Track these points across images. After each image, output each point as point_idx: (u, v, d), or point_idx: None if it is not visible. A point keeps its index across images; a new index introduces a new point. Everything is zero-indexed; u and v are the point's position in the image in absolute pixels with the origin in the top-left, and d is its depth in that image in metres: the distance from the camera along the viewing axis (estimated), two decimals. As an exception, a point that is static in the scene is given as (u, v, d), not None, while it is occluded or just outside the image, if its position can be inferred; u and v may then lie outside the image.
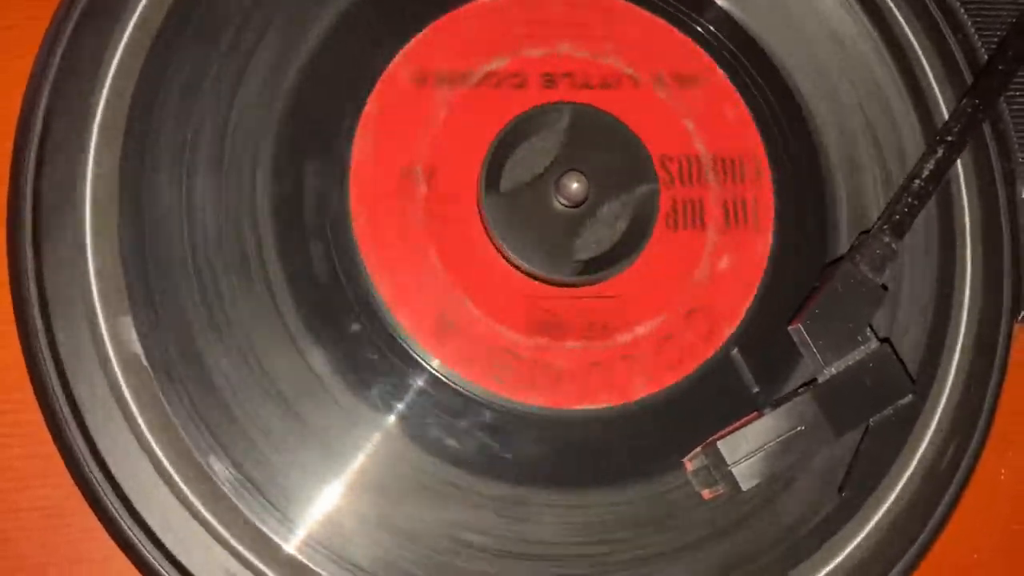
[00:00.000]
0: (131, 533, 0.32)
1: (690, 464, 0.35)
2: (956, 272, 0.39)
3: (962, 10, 0.42)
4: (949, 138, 0.38)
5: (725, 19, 0.40)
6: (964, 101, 0.39)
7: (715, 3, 0.40)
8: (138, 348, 0.33)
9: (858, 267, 0.36)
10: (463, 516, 0.34)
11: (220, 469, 0.33)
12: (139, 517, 0.32)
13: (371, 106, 0.37)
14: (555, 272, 0.36)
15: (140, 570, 0.32)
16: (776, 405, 0.35)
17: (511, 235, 0.36)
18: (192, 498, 0.32)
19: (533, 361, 0.36)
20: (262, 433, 0.33)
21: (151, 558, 0.32)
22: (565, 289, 0.36)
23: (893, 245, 0.37)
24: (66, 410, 0.32)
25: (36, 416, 0.33)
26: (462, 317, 0.35)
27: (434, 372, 0.35)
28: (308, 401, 0.34)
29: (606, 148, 0.37)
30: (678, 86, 0.39)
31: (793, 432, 0.34)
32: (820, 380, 0.35)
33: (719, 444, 0.34)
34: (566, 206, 0.37)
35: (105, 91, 0.35)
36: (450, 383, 0.35)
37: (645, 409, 0.36)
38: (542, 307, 0.36)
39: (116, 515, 0.32)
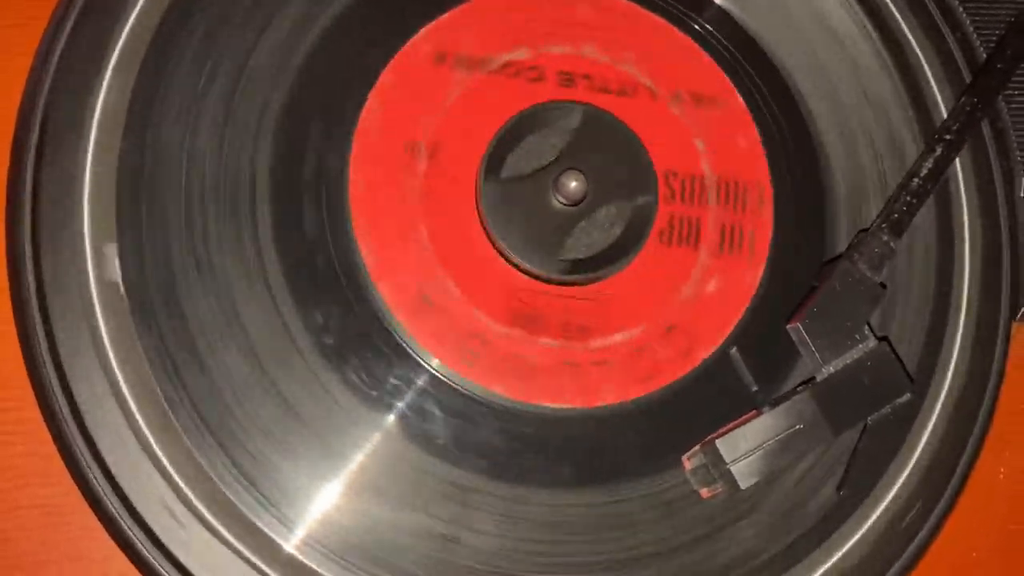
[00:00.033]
0: (130, 533, 0.32)
1: (688, 463, 0.35)
2: (955, 271, 0.39)
3: (961, 9, 0.42)
4: (948, 137, 0.38)
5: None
6: (963, 100, 0.39)
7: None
8: (138, 348, 0.33)
9: (856, 266, 0.36)
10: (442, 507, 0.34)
11: (219, 468, 0.33)
12: (138, 516, 0.32)
13: (386, 77, 0.37)
14: (540, 266, 0.36)
15: (139, 569, 0.32)
16: (775, 404, 0.35)
17: (503, 223, 0.36)
18: (192, 497, 0.32)
19: (505, 351, 0.35)
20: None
21: (150, 557, 0.32)
22: (549, 286, 0.36)
23: (891, 244, 0.37)
24: (65, 409, 0.32)
25: (38, 414, 0.33)
26: (442, 296, 0.35)
27: (406, 346, 0.35)
28: (281, 367, 0.34)
29: (612, 153, 0.37)
30: (694, 105, 0.39)
31: (792, 431, 0.34)
32: (818, 379, 0.35)
33: (718, 443, 0.34)
34: (563, 204, 0.37)
35: (104, 87, 0.35)
36: (419, 359, 0.35)
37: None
38: (523, 299, 0.36)
39: (115, 514, 0.32)
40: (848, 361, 0.35)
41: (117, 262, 0.34)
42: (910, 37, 0.41)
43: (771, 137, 0.39)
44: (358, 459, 0.34)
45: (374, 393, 0.34)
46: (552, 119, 0.37)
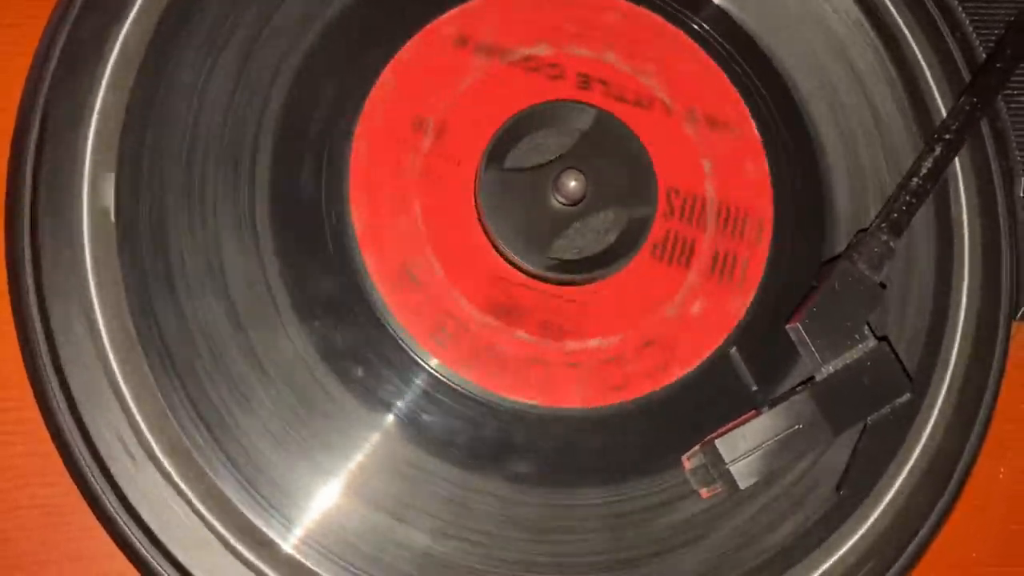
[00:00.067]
0: (129, 532, 0.32)
1: (688, 462, 0.35)
2: (954, 270, 0.39)
3: (960, 8, 0.42)
4: (947, 136, 0.38)
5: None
6: (962, 99, 0.39)
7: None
8: (137, 349, 0.33)
9: (856, 265, 0.36)
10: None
11: (218, 467, 0.33)
12: (137, 516, 0.32)
13: (405, 52, 0.37)
14: (527, 260, 0.36)
15: (139, 569, 0.32)
16: (774, 404, 0.35)
17: (497, 211, 0.36)
18: (191, 496, 0.32)
19: (479, 338, 0.35)
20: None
21: (149, 557, 0.32)
22: (534, 281, 0.36)
23: (891, 243, 0.37)
24: (64, 407, 0.32)
25: (38, 414, 0.33)
26: (425, 273, 0.35)
27: (381, 317, 0.35)
28: (259, 324, 0.34)
29: (617, 161, 0.37)
30: (708, 127, 0.39)
31: (791, 430, 0.34)
32: (818, 379, 0.35)
33: (717, 442, 0.34)
34: (560, 202, 0.37)
35: (104, 87, 0.35)
36: (393, 332, 0.35)
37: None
38: (505, 290, 0.36)
39: (114, 514, 0.32)
40: (848, 361, 0.35)
41: (117, 258, 0.34)
42: (909, 36, 0.41)
43: (780, 170, 0.39)
44: (319, 421, 0.34)
45: (343, 361, 0.34)
46: (564, 118, 0.37)
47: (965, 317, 0.39)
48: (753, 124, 0.39)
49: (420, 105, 0.37)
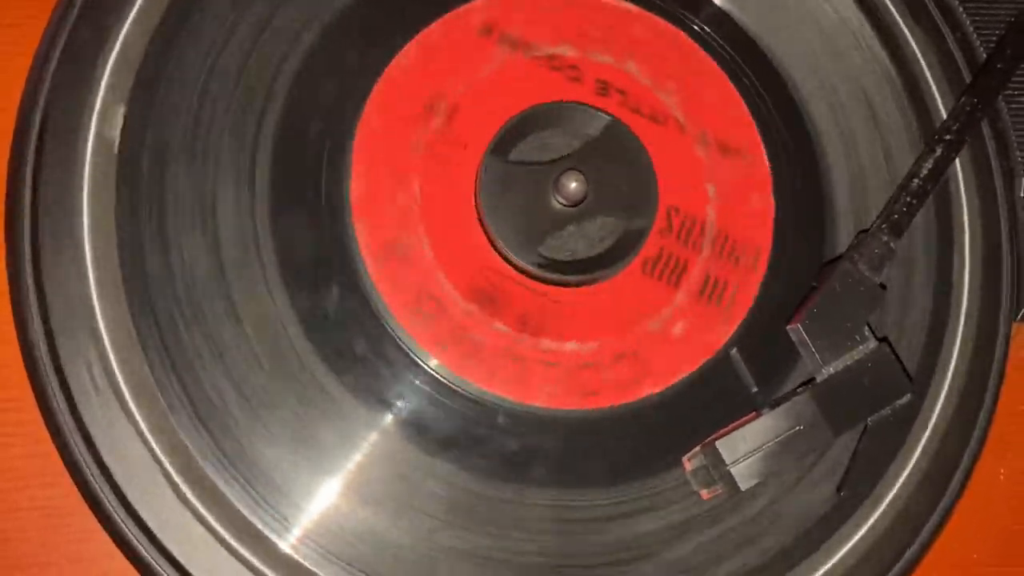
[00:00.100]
0: (128, 532, 0.32)
1: (689, 464, 0.35)
2: (955, 271, 0.39)
3: (961, 9, 0.42)
4: (948, 137, 0.38)
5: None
6: (963, 100, 0.39)
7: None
8: (137, 348, 0.33)
9: (856, 266, 0.36)
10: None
11: (218, 467, 0.33)
12: (137, 516, 0.32)
13: (427, 35, 0.37)
14: (516, 253, 0.36)
15: (138, 569, 0.32)
16: (774, 405, 0.35)
17: (494, 200, 0.36)
18: (190, 496, 0.32)
19: (456, 323, 0.35)
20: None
21: (149, 557, 0.32)
22: (520, 276, 0.36)
23: (891, 244, 0.37)
24: (64, 407, 0.32)
25: (38, 415, 0.33)
26: (413, 251, 0.36)
27: (363, 288, 0.35)
28: (245, 294, 0.34)
29: (622, 170, 0.37)
30: (719, 152, 0.38)
31: (792, 432, 0.34)
32: (818, 380, 0.35)
33: (718, 444, 0.34)
34: (559, 202, 0.37)
35: (104, 86, 0.35)
36: (373, 304, 0.35)
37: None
38: (489, 279, 0.36)
39: (114, 514, 0.32)
40: (848, 362, 0.35)
41: (117, 258, 0.34)
42: (909, 37, 0.41)
43: (786, 204, 0.39)
44: (294, 389, 0.34)
45: (322, 323, 0.34)
46: (576, 119, 0.38)
47: (965, 318, 0.39)
48: (765, 155, 0.39)
49: (435, 86, 0.37)
